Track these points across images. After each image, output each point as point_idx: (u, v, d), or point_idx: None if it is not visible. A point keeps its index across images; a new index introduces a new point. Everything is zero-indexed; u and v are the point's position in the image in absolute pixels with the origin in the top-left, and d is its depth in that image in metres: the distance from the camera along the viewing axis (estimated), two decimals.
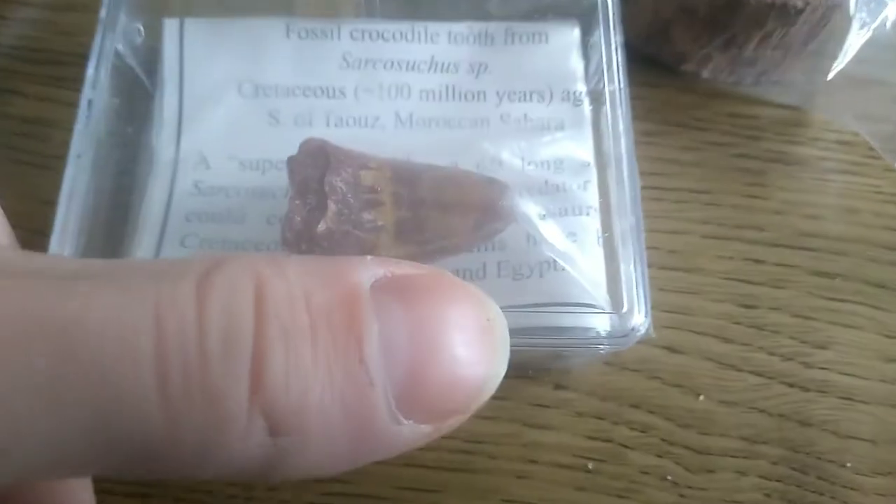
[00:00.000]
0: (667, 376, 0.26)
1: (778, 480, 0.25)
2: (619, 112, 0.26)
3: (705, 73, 0.30)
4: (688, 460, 0.25)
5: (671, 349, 0.26)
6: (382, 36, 0.28)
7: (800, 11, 0.27)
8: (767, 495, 0.25)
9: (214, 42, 0.28)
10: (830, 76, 0.28)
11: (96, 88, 0.25)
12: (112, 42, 0.26)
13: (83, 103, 0.25)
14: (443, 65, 0.28)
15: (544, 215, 0.25)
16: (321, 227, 0.22)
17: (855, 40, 0.27)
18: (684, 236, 0.28)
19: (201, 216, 0.26)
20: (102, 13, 0.26)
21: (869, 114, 0.29)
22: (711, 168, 0.29)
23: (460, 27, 0.28)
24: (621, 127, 0.25)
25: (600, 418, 0.26)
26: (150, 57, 0.27)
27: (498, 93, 0.28)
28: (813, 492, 0.25)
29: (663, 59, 0.30)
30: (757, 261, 0.28)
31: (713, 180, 0.29)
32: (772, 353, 0.27)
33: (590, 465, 0.25)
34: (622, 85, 0.26)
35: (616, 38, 0.27)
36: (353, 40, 0.28)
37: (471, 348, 0.15)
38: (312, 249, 0.22)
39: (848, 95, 0.29)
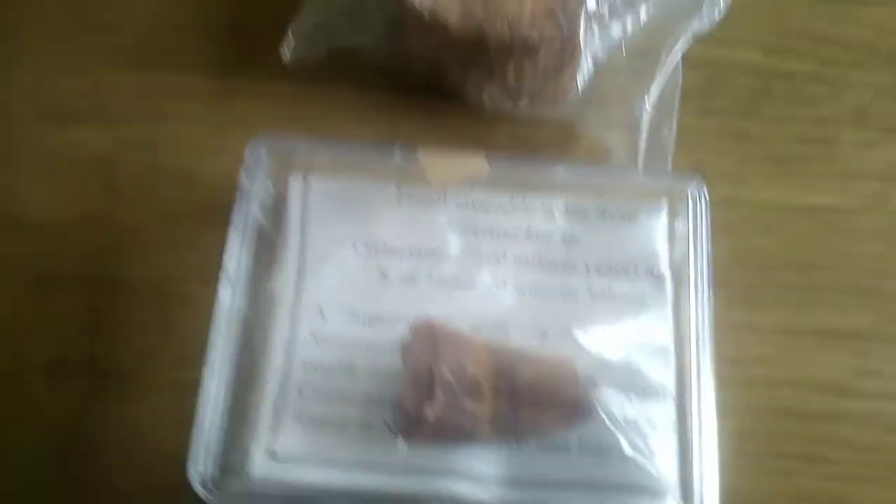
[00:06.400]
0: None
1: None
2: (702, 306, 0.28)
3: (485, 100, 0.32)
4: None
5: None
6: (484, 207, 0.31)
7: (537, 45, 0.30)
8: None
9: (334, 202, 0.30)
10: (577, 94, 0.32)
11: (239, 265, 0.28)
12: (251, 210, 0.29)
13: (222, 294, 0.27)
14: (537, 234, 0.30)
15: (623, 399, 0.27)
16: (429, 414, 0.25)
17: (587, 67, 0.32)
18: None
19: (317, 367, 0.28)
20: (244, 182, 0.29)
21: (613, 123, 0.32)
22: None
23: (557, 202, 0.31)
24: (704, 321, 0.28)
25: None
26: (276, 208, 0.30)
27: (587, 265, 0.30)
28: None
29: (446, 89, 0.33)
30: None
31: None
32: None
33: None
34: (707, 279, 0.28)
35: (704, 230, 0.29)
36: (457, 208, 0.30)
37: None
38: (420, 432, 0.25)
39: (595, 110, 0.32)
